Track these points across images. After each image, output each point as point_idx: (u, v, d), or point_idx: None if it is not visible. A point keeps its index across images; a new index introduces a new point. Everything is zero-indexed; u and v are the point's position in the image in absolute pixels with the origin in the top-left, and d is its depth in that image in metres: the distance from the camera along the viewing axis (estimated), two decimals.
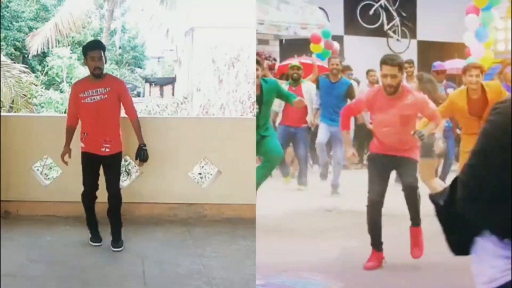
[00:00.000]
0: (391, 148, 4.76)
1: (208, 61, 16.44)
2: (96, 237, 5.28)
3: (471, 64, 5.66)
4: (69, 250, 5.09)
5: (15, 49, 20.28)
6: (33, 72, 18.02)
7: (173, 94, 21.18)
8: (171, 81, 22.35)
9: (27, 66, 16.30)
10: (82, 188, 5.17)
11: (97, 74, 5.07)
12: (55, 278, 4.40)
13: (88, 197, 5.19)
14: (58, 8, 20.54)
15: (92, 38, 21.56)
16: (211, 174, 8.63)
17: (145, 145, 5.19)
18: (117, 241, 5.15)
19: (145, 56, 27.27)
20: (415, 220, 4.86)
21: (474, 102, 5.43)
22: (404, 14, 12.21)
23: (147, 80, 23.26)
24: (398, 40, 12.23)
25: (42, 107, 17.68)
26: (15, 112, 13.37)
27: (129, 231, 5.62)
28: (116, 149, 5.16)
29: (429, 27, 11.66)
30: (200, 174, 11.64)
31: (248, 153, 6.17)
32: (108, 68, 20.54)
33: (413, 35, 12.27)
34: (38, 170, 10.04)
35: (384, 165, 4.79)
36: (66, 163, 5.28)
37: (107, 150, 5.11)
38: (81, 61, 20.50)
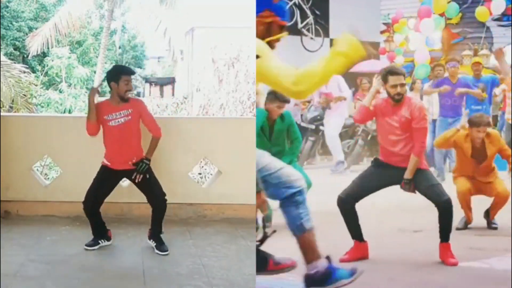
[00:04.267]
0: (398, 159, 4.73)
1: (208, 61, 16.45)
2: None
3: (476, 129, 5.59)
4: (69, 250, 5.08)
5: (15, 49, 20.30)
6: (33, 72, 18.04)
7: (173, 94, 21.20)
8: (171, 81, 22.36)
9: (27, 66, 16.31)
10: (81, 188, 5.14)
11: (127, 98, 5.06)
12: (55, 278, 4.40)
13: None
14: (58, 8, 20.55)
15: (92, 38, 21.57)
16: (211, 174, 8.63)
17: (149, 161, 5.13)
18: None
19: (145, 56, 27.31)
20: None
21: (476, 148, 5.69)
22: (317, 13, 12.16)
23: (147, 80, 23.26)
24: (312, 38, 12.19)
25: (42, 107, 17.71)
26: (15, 112, 13.38)
27: (129, 231, 5.62)
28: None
29: (342, 25, 11.57)
30: (200, 174, 11.64)
31: (248, 153, 6.16)
32: (108, 68, 20.53)
33: (326, 33, 12.22)
34: (38, 170, 10.05)
35: (385, 176, 4.76)
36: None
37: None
38: (81, 61, 20.53)
